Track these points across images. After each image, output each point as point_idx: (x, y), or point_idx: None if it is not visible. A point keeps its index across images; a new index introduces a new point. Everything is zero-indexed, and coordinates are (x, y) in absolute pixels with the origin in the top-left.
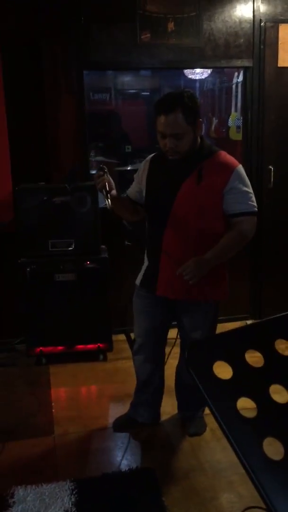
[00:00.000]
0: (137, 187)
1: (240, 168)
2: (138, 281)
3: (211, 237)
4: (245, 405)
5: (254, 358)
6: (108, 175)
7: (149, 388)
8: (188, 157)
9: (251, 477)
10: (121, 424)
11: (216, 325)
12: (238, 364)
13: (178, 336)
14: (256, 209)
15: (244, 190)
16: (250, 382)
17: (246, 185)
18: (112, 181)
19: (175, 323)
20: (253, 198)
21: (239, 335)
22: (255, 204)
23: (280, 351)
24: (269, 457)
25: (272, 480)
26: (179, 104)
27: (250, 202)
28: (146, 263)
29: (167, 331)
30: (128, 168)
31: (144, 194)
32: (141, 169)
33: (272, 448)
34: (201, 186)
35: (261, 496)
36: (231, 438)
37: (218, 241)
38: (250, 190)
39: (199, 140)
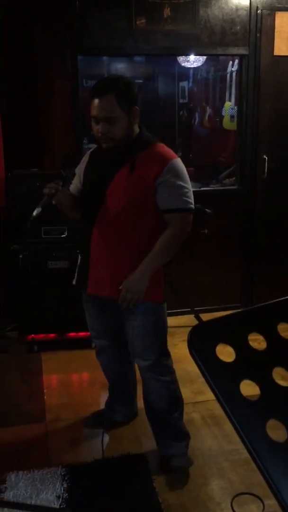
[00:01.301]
0: (77, 181)
1: (177, 161)
2: (74, 281)
3: (145, 231)
4: (248, 388)
5: (256, 341)
6: (66, 191)
7: (120, 387)
8: (123, 148)
9: (255, 459)
10: (94, 421)
11: (163, 329)
12: (241, 346)
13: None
14: (191, 205)
15: (178, 184)
16: (253, 364)
17: (181, 179)
18: (66, 197)
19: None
20: (189, 194)
21: (242, 318)
22: (190, 200)
23: (282, 335)
24: (273, 439)
25: (276, 462)
26: (113, 87)
27: (184, 198)
28: (79, 259)
29: (124, 332)
30: None
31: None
32: (82, 161)
33: (275, 430)
34: (133, 177)
35: (265, 478)
36: (234, 420)
37: (152, 236)
38: (186, 184)
39: (137, 130)
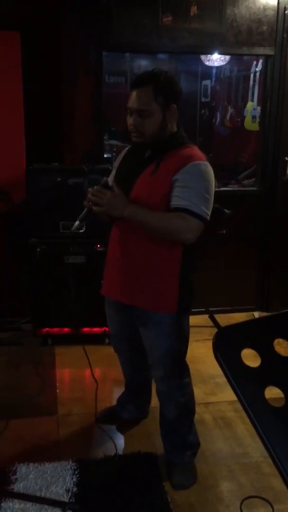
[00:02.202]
0: (112, 177)
1: (202, 163)
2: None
3: None
4: (273, 394)
5: (282, 347)
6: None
7: (132, 387)
8: (153, 145)
9: (278, 466)
10: (105, 417)
11: (178, 342)
12: (266, 352)
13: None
14: (202, 212)
15: (193, 186)
16: (279, 371)
17: (199, 181)
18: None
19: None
20: (205, 200)
21: (268, 323)
22: (203, 206)
23: None
24: None
25: None
26: (152, 80)
27: (195, 201)
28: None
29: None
30: None
31: None
32: (119, 157)
33: None
34: (155, 176)
35: (287, 484)
36: (258, 426)
37: (170, 250)
38: (204, 189)
39: (173, 129)
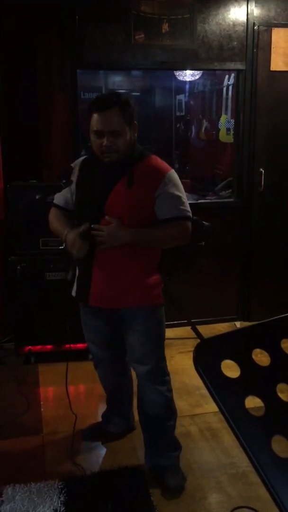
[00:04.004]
0: (65, 193)
1: (173, 173)
2: (73, 293)
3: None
4: (253, 403)
5: (260, 357)
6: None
7: (116, 400)
8: (120, 161)
9: (261, 475)
10: (90, 434)
11: (163, 331)
12: (245, 363)
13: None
14: (189, 214)
15: (176, 195)
16: (258, 380)
17: (178, 190)
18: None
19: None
20: (186, 204)
21: (246, 334)
22: (188, 209)
23: (286, 351)
24: (278, 455)
25: (282, 477)
26: (116, 102)
27: (181, 207)
28: (77, 272)
29: (123, 343)
30: None
31: (74, 201)
32: (73, 172)
33: (280, 446)
34: (132, 190)
35: (271, 493)
36: (240, 436)
37: (150, 249)
38: (183, 195)
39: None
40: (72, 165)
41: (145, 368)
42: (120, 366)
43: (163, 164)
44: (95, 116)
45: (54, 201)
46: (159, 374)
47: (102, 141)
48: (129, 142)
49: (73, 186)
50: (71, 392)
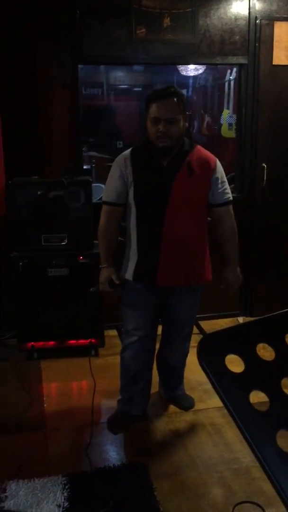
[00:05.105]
0: (117, 188)
1: (218, 161)
2: (129, 276)
3: (204, 222)
4: (257, 398)
5: (265, 351)
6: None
7: (140, 381)
8: (175, 149)
9: (266, 470)
10: (117, 424)
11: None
12: (250, 357)
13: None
14: (231, 197)
15: (224, 181)
16: (262, 375)
17: (224, 176)
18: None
19: None
20: (229, 188)
21: (250, 328)
22: (230, 192)
23: None
24: (283, 450)
25: (286, 471)
26: (174, 93)
27: (228, 191)
28: (135, 257)
29: (158, 322)
30: None
31: (132, 191)
32: (121, 166)
33: (285, 441)
34: (193, 178)
35: (275, 488)
36: (244, 431)
37: (206, 226)
38: (226, 180)
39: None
40: (120, 157)
41: (186, 331)
42: (153, 344)
43: (209, 153)
44: (153, 105)
45: (104, 199)
46: (190, 334)
47: (159, 128)
48: (182, 130)
49: (130, 178)
50: (74, 388)
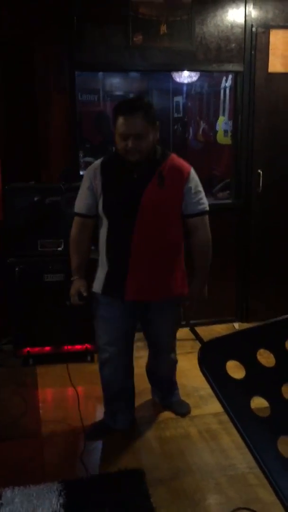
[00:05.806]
0: (87, 199)
1: (193, 169)
2: (98, 289)
3: (177, 235)
4: (258, 404)
5: (265, 357)
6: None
7: (123, 396)
8: (146, 160)
9: (267, 476)
10: (97, 434)
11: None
12: (250, 363)
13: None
14: (207, 207)
15: (199, 190)
16: (263, 381)
17: (199, 185)
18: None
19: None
20: (205, 197)
21: (251, 335)
22: (206, 203)
23: None
24: (284, 456)
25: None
26: (141, 107)
27: (203, 201)
28: (105, 269)
29: (134, 336)
30: None
31: (101, 202)
32: (91, 177)
33: (286, 447)
34: (164, 188)
35: (277, 494)
36: (246, 437)
37: (180, 239)
38: (202, 189)
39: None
40: (90, 168)
41: (169, 345)
42: (129, 360)
43: (184, 161)
44: (121, 119)
45: (76, 210)
46: (174, 345)
47: (127, 143)
48: (152, 142)
49: (99, 189)
50: (69, 394)
